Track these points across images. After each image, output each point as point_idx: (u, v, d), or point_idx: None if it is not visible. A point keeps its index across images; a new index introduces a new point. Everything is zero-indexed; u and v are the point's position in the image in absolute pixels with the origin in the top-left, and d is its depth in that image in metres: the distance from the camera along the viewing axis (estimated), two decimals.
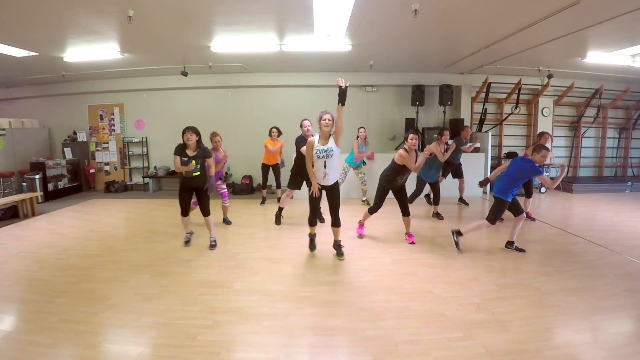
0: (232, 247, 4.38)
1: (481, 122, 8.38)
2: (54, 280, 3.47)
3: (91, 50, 5.91)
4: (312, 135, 4.56)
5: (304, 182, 5.20)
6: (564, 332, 2.53)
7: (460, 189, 6.53)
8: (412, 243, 4.44)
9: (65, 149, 8.47)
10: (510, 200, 3.99)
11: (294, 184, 5.22)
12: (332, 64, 7.39)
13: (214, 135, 5.11)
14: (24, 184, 7.23)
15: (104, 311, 2.84)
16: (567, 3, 3.88)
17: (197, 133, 4.07)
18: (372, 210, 4.50)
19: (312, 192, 3.73)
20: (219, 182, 5.26)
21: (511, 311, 2.79)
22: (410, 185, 4.80)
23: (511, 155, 8.63)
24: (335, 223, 3.89)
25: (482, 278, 3.43)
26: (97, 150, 9.04)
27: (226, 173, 8.68)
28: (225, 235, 4.92)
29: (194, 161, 4.00)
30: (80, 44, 5.56)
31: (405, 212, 4.44)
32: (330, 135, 3.67)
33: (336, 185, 3.83)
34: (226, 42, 5.75)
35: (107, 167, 9.09)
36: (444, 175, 6.19)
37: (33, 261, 3.98)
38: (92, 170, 8.92)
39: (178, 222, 5.58)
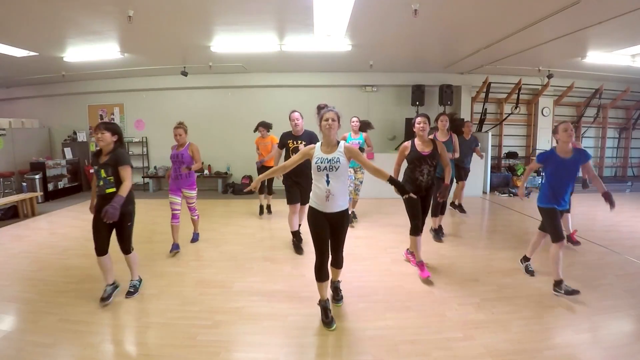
0: (232, 247, 4.38)
1: (481, 122, 8.38)
2: (54, 280, 3.47)
3: (91, 50, 5.92)
4: (303, 134, 4.08)
5: (301, 192, 4.12)
6: (564, 332, 2.53)
7: (456, 193, 5.89)
8: (427, 277, 3.43)
9: (65, 149, 8.47)
10: (559, 208, 3.12)
11: (291, 197, 4.15)
12: (332, 64, 7.39)
13: (175, 127, 4.12)
14: (24, 184, 7.23)
15: (104, 311, 2.84)
16: (567, 3, 3.89)
17: (114, 131, 2.91)
18: (413, 231, 3.45)
19: (250, 188, 2.81)
20: (192, 192, 4.29)
21: (511, 311, 2.79)
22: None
23: (511, 155, 8.66)
24: (337, 264, 2.78)
25: (482, 278, 3.43)
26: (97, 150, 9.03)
27: (226, 173, 8.69)
28: (225, 235, 4.92)
29: (103, 171, 2.85)
30: (80, 44, 5.57)
31: (417, 231, 3.47)
32: (337, 142, 2.65)
33: (344, 215, 2.64)
34: (226, 42, 5.75)
35: None
36: (460, 179, 5.60)
37: (33, 261, 3.98)
38: (92, 170, 8.86)
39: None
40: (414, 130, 3.53)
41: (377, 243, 4.49)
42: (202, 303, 2.97)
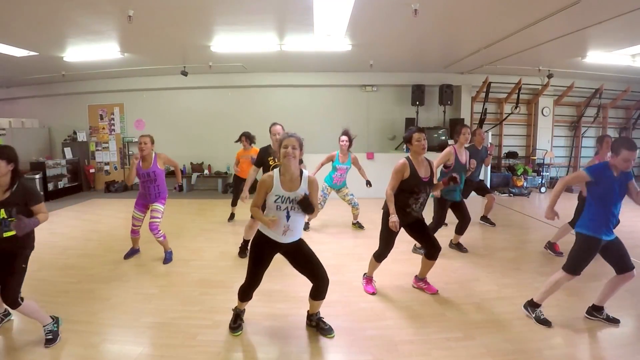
0: (232, 247, 4.37)
1: (481, 122, 8.37)
2: (54, 280, 3.47)
3: (91, 50, 5.92)
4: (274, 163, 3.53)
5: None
6: (564, 332, 2.53)
7: (487, 207, 5.25)
8: (433, 293, 3.14)
9: (65, 149, 8.47)
10: (604, 238, 2.52)
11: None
12: (332, 63, 7.39)
13: (140, 137, 3.76)
14: None
15: (104, 311, 2.84)
16: (567, 3, 3.88)
17: (10, 158, 2.25)
18: (377, 256, 3.08)
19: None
20: (158, 207, 3.87)
21: (511, 311, 2.79)
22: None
23: (511, 155, 8.64)
24: (319, 294, 2.44)
25: (482, 278, 3.43)
26: (97, 150, 9.05)
27: (226, 173, 8.69)
28: (225, 235, 4.92)
29: (3, 211, 2.21)
30: (80, 43, 5.57)
31: (430, 255, 3.05)
32: (301, 172, 2.30)
33: (300, 240, 2.44)
34: (226, 42, 5.75)
35: (107, 167, 9.09)
36: (464, 196, 4.55)
37: (33, 261, 3.90)
38: (92, 170, 8.92)
39: (178, 221, 5.61)
40: (410, 146, 2.87)
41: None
42: (202, 303, 2.97)
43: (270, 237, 2.30)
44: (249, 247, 2.36)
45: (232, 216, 5.77)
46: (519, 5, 4.09)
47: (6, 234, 2.23)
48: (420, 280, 3.23)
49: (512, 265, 3.75)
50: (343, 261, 3.89)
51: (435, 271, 3.58)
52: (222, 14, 4.52)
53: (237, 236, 4.85)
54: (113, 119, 8.92)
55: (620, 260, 2.53)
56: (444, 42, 5.84)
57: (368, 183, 4.77)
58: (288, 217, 2.25)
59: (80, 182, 8.66)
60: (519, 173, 8.04)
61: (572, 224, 3.84)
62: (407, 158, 2.87)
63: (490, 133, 8.06)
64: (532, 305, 2.70)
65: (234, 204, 5.67)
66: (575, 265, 2.53)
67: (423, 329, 2.57)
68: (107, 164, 9.08)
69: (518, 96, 8.17)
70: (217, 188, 8.55)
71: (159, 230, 3.81)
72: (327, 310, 2.82)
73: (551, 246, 4.14)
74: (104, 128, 8.99)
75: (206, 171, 8.63)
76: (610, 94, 8.63)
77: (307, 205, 2.21)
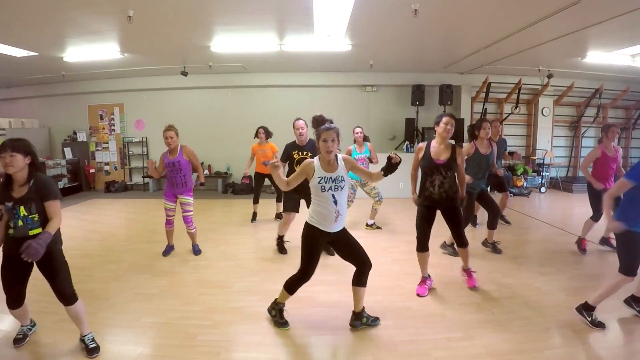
0: (232, 247, 4.38)
1: None
2: None
3: (91, 50, 5.92)
4: (307, 144, 3.85)
5: (304, 201, 3.83)
6: (564, 332, 2.53)
7: (502, 204, 4.94)
8: (473, 286, 3.20)
9: (65, 149, 8.47)
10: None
11: (291, 204, 3.94)
12: (332, 64, 7.39)
13: (165, 129, 3.82)
14: None
15: (104, 311, 2.84)
16: (567, 3, 3.88)
17: (26, 151, 2.13)
18: (418, 247, 3.14)
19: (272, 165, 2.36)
20: (188, 200, 4.00)
21: (511, 311, 2.79)
22: None
23: (511, 154, 8.64)
24: (360, 281, 2.56)
25: (482, 278, 3.42)
26: (97, 150, 9.05)
27: (226, 173, 8.69)
28: (225, 235, 4.92)
29: (23, 208, 2.10)
30: (80, 43, 5.57)
31: (460, 243, 3.16)
32: (336, 157, 2.41)
33: (345, 230, 2.56)
34: (226, 42, 5.75)
35: (107, 167, 9.09)
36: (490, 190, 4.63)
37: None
38: (92, 170, 8.92)
39: (178, 221, 5.57)
40: (436, 129, 2.97)
41: (378, 243, 4.49)
42: (202, 303, 2.97)
43: (321, 229, 2.39)
44: (301, 239, 2.47)
45: (254, 216, 5.64)
46: (519, 5, 4.09)
47: (32, 232, 2.13)
48: (465, 270, 3.32)
49: (512, 265, 3.75)
50: (343, 261, 3.85)
51: (435, 271, 3.58)
52: (222, 14, 4.52)
53: (237, 236, 4.85)
54: (113, 119, 8.93)
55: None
56: (444, 42, 5.85)
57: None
58: (335, 201, 2.34)
59: (80, 182, 8.67)
60: (519, 173, 8.03)
61: (594, 219, 4.00)
62: (429, 141, 3.04)
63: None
64: (586, 309, 2.59)
65: (256, 201, 5.59)
66: (634, 265, 2.45)
67: (423, 329, 2.57)
68: (107, 164, 9.09)
69: (518, 96, 8.17)
70: (217, 188, 8.56)
71: (192, 222, 4.03)
72: (327, 311, 2.84)
73: (605, 241, 4.18)
74: (104, 128, 8.99)
75: (206, 171, 8.63)
76: (610, 94, 8.63)
77: (390, 168, 2.29)
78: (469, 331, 2.52)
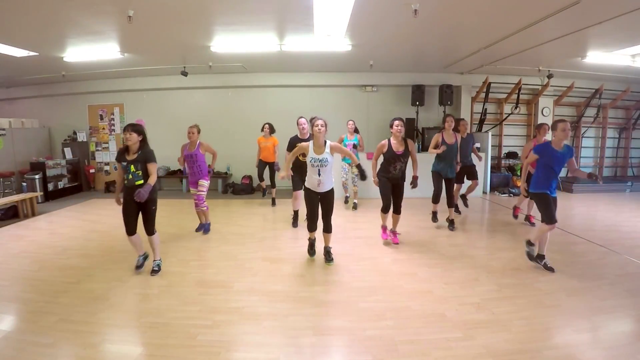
0: (232, 247, 4.38)
1: (481, 122, 8.38)
2: (54, 280, 3.47)
3: (91, 50, 5.92)
4: (308, 138, 4.52)
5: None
6: (564, 332, 2.53)
7: (470, 188, 5.90)
8: (396, 243, 4.36)
9: (65, 149, 8.47)
10: (551, 194, 3.45)
11: (298, 183, 4.91)
12: (332, 64, 7.39)
13: (190, 127, 4.64)
14: (24, 184, 7.23)
15: (104, 311, 2.84)
16: (567, 3, 3.88)
17: (139, 132, 3.36)
18: (383, 209, 4.24)
19: (281, 176, 3.79)
20: (202, 182, 4.76)
21: (511, 311, 2.79)
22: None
23: (511, 155, 8.66)
24: (327, 229, 3.78)
25: (482, 278, 3.43)
26: (97, 150, 9.05)
27: (226, 173, 8.69)
28: (225, 235, 4.92)
29: (132, 166, 3.33)
30: (80, 43, 5.57)
31: (396, 210, 4.29)
32: (325, 142, 3.53)
33: (330, 192, 3.69)
34: (226, 42, 5.75)
35: (107, 167, 9.09)
36: (459, 181, 5.56)
37: (33, 261, 3.98)
38: (92, 170, 8.92)
39: (178, 221, 5.61)
40: (392, 131, 4.04)
41: (377, 243, 4.49)
42: (202, 303, 2.97)
43: (312, 189, 3.65)
44: (303, 201, 3.90)
45: (264, 192, 6.73)
46: (519, 5, 4.09)
47: (137, 182, 3.33)
48: (392, 231, 4.44)
49: (512, 265, 3.74)
50: (343, 261, 3.89)
51: (435, 271, 3.60)
52: (222, 14, 4.52)
53: (238, 236, 4.85)
54: (113, 119, 8.92)
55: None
56: (444, 42, 5.84)
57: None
58: (319, 174, 3.54)
59: (80, 182, 8.66)
60: (518, 173, 8.03)
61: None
62: (388, 139, 4.12)
63: (490, 133, 8.06)
64: (540, 258, 3.58)
65: (261, 179, 6.59)
66: (548, 215, 3.40)
67: (423, 329, 2.57)
68: (107, 164, 9.08)
69: (518, 96, 8.17)
70: (217, 188, 8.55)
71: (204, 201, 4.78)
72: (327, 310, 2.84)
73: (527, 218, 5.27)
74: (104, 128, 8.99)
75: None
76: (610, 94, 8.63)
77: (362, 172, 3.71)
78: (469, 331, 2.52)
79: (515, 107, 8.19)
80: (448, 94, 7.94)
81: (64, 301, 3.01)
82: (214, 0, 4.05)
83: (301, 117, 4.85)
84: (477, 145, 6.00)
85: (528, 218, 5.29)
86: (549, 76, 7.47)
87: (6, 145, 7.52)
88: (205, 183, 4.77)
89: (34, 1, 3.87)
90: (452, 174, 4.98)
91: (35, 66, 6.79)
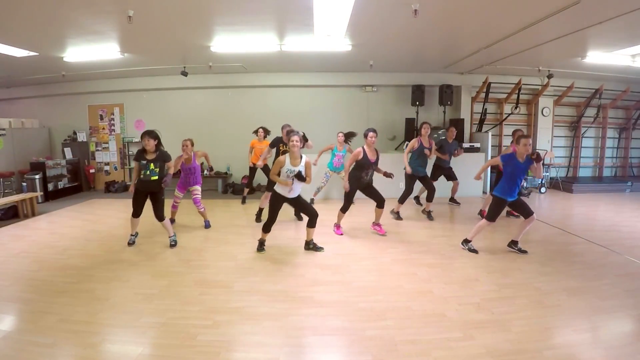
0: (232, 247, 4.38)
1: (481, 122, 8.38)
2: (54, 280, 3.47)
3: (91, 50, 5.91)
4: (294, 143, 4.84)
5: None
6: (564, 332, 2.53)
7: (453, 190, 6.47)
8: (383, 234, 4.74)
9: (65, 149, 8.47)
10: (509, 200, 3.96)
11: (270, 187, 5.02)
12: (332, 64, 7.39)
13: (184, 140, 5.12)
14: (24, 184, 7.23)
15: (104, 311, 2.84)
16: (567, 3, 3.88)
17: (155, 137, 4.15)
18: (344, 209, 4.70)
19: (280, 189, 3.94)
20: (197, 187, 5.19)
21: (511, 311, 2.79)
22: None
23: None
24: (312, 223, 4.08)
25: (482, 278, 3.43)
26: (97, 150, 9.05)
27: (226, 173, 8.69)
28: (225, 235, 4.92)
29: (152, 164, 4.11)
30: (81, 44, 5.56)
31: (380, 205, 4.63)
32: (301, 156, 3.85)
33: (299, 197, 4.03)
34: (226, 42, 5.74)
35: (107, 167, 9.09)
36: (434, 178, 6.11)
37: (33, 261, 3.98)
38: (92, 170, 8.92)
39: (178, 221, 5.60)
40: (367, 142, 4.45)
41: (377, 243, 4.49)
42: (202, 303, 2.97)
43: (281, 194, 3.93)
44: (268, 202, 4.05)
45: (244, 200, 7.10)
46: (519, 5, 4.09)
47: (152, 178, 4.13)
48: (376, 224, 4.84)
49: (512, 265, 3.75)
50: (343, 261, 3.89)
51: (435, 271, 3.60)
52: (222, 14, 4.52)
53: (237, 236, 4.86)
54: (113, 119, 8.92)
55: (521, 209, 4.03)
56: (444, 42, 5.84)
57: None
58: (293, 182, 3.84)
59: (80, 183, 8.65)
60: None
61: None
62: (363, 147, 4.46)
63: (490, 133, 8.06)
64: (466, 241, 4.19)
65: (248, 186, 7.03)
66: (493, 215, 3.96)
67: (423, 329, 2.57)
68: (107, 164, 9.08)
69: (518, 96, 8.16)
70: (217, 188, 8.55)
71: (200, 203, 5.20)
72: (327, 310, 2.84)
73: (480, 212, 5.65)
74: (104, 128, 8.99)
75: (206, 172, 8.60)
76: (610, 94, 8.63)
77: (300, 177, 3.78)
78: (469, 331, 2.52)
79: (515, 107, 8.19)
80: (448, 94, 7.93)
81: (64, 301, 3.01)
82: (214, 0, 4.05)
83: (287, 125, 5.19)
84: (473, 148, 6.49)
85: (481, 212, 5.68)
86: (549, 76, 7.47)
87: (6, 145, 7.52)
88: (199, 188, 5.22)
89: (34, 1, 3.87)
90: (423, 172, 5.53)
91: (35, 66, 6.79)
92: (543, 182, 8.14)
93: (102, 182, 8.90)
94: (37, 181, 7.29)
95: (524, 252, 4.10)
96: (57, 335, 2.50)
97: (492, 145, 8.39)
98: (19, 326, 2.67)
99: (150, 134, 4.08)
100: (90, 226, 5.48)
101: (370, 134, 4.43)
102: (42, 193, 7.26)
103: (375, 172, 4.63)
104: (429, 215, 5.65)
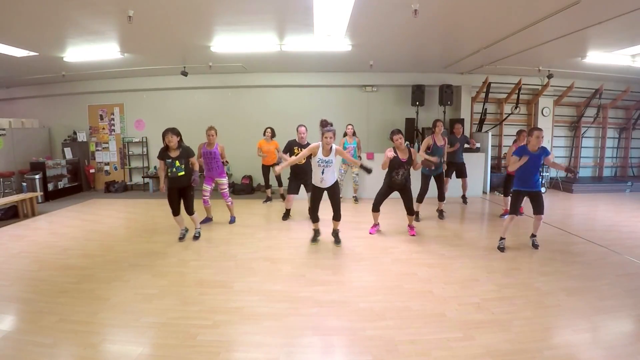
0: (232, 247, 4.38)
1: (481, 122, 8.38)
2: (54, 280, 3.47)
3: (91, 50, 5.91)
4: (306, 144, 5.14)
5: (302, 186, 5.50)
6: (564, 332, 2.53)
7: (463, 188, 6.40)
8: (413, 235, 4.77)
9: (65, 149, 8.46)
10: (525, 189, 4.10)
11: (293, 188, 5.43)
12: (332, 64, 7.39)
13: (208, 129, 5.08)
14: (24, 184, 7.23)
15: (104, 311, 2.84)
16: (567, 3, 3.88)
17: (178, 134, 4.22)
18: (375, 209, 4.76)
19: (277, 170, 4.07)
20: (222, 180, 5.30)
21: (511, 311, 2.79)
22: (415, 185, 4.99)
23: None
24: (336, 217, 4.31)
25: (482, 278, 3.43)
26: (97, 150, 9.04)
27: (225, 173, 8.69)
28: (225, 235, 4.92)
29: (177, 161, 4.19)
30: (80, 44, 5.56)
31: (409, 212, 4.71)
32: (331, 147, 4.04)
33: (335, 186, 4.25)
34: (226, 42, 5.74)
35: (107, 167, 9.09)
36: (448, 175, 6.06)
37: (33, 261, 3.98)
38: (92, 170, 8.91)
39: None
40: (395, 143, 4.47)
41: (377, 243, 4.49)
42: (202, 303, 2.97)
43: (316, 185, 4.21)
44: (309, 194, 4.56)
45: (268, 199, 7.12)
46: (519, 5, 4.09)
47: (179, 174, 4.21)
48: (409, 226, 4.89)
49: (512, 265, 3.75)
50: (343, 261, 3.89)
51: (435, 271, 3.60)
52: (222, 14, 4.52)
53: (237, 236, 4.86)
54: (113, 119, 8.92)
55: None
56: (444, 42, 5.84)
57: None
58: (323, 172, 4.10)
59: (80, 183, 8.65)
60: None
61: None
62: (393, 148, 4.50)
63: (490, 133, 8.06)
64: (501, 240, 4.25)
65: (267, 187, 7.07)
66: (513, 208, 4.14)
67: (423, 329, 2.57)
68: (107, 164, 9.08)
69: (518, 96, 8.16)
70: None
71: (228, 197, 5.42)
72: (327, 310, 2.84)
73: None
74: (104, 128, 8.99)
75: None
76: (610, 94, 8.63)
77: (366, 169, 4.08)
78: (469, 331, 2.52)
79: (515, 107, 8.19)
80: (448, 94, 7.93)
81: (64, 301, 3.01)
82: (214, 0, 4.05)
83: (301, 126, 5.34)
84: (478, 145, 6.46)
85: (504, 212, 5.81)
86: (549, 76, 7.47)
87: (6, 145, 7.52)
88: (224, 180, 5.33)
89: (33, 1, 3.87)
90: (438, 171, 5.52)
91: (35, 66, 6.78)
92: (543, 182, 8.13)
93: (102, 182, 8.90)
94: (37, 181, 7.29)
95: (536, 246, 4.27)
96: (57, 335, 2.51)
97: (492, 145, 8.40)
98: (19, 326, 2.67)
99: (173, 131, 4.14)
100: (90, 226, 5.48)
101: (397, 136, 4.48)
102: (42, 193, 7.27)
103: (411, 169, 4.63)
104: (440, 214, 5.71)
